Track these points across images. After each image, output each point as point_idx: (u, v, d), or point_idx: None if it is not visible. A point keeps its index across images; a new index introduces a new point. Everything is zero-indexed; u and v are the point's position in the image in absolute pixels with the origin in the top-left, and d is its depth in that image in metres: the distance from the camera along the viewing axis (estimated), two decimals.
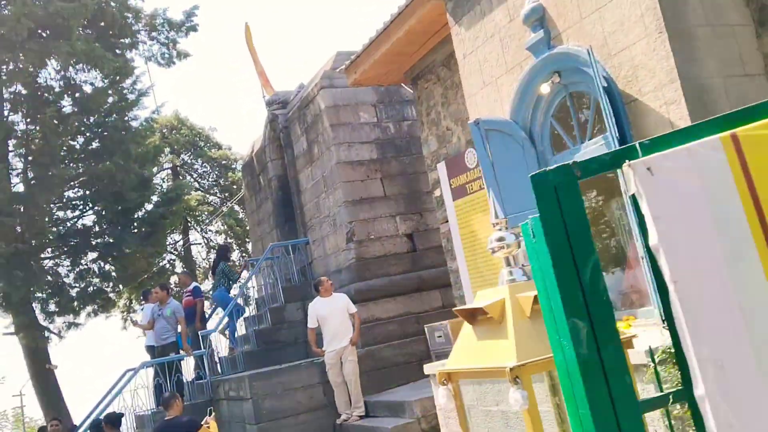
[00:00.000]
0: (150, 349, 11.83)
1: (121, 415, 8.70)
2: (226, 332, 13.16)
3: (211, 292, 17.47)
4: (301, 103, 12.88)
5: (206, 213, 23.12)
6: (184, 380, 11.58)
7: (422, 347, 10.34)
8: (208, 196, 23.36)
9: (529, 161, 5.81)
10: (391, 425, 8.19)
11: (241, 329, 12.91)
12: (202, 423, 7.79)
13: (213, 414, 8.07)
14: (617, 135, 4.57)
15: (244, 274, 14.06)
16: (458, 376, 2.91)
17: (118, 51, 15.57)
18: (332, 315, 9.47)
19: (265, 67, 15.27)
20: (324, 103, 11.85)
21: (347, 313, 9.35)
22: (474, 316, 2.89)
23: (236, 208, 23.08)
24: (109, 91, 16.27)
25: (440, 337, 8.04)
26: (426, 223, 11.85)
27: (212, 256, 24.65)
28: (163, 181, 21.66)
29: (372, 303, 10.85)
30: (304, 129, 12.84)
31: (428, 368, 5.83)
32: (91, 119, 16.37)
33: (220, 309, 13.52)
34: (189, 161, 23.33)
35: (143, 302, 13.30)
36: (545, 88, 5.52)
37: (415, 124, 12.19)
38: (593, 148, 5.33)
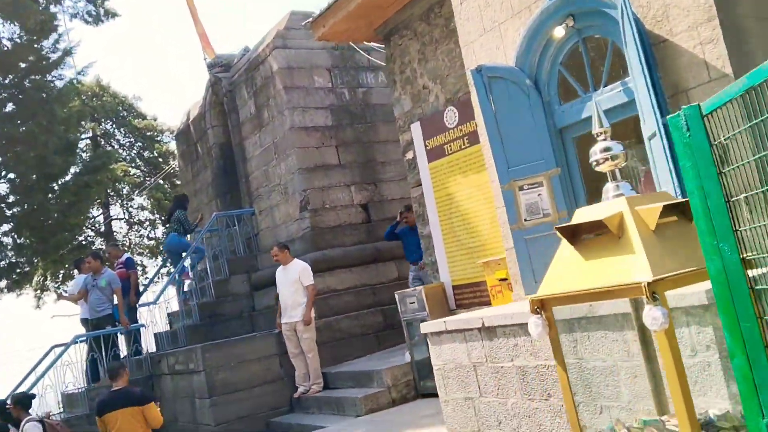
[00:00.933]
0: (84, 322, 10.98)
1: (33, 396, 7.86)
2: (185, 283, 12.35)
3: (163, 240, 16.42)
4: (250, 65, 12.24)
5: (129, 186, 21.93)
6: (121, 355, 10.83)
7: (379, 319, 10.04)
8: (131, 168, 22.15)
9: (535, 111, 5.57)
10: (360, 395, 7.84)
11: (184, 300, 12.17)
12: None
13: (158, 402, 7.46)
14: (649, 78, 4.37)
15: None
16: (557, 302, 2.60)
17: (41, 1, 14.38)
18: (284, 285, 9.05)
19: (206, 28, 14.48)
20: (277, 64, 11.29)
21: (301, 285, 8.86)
22: (577, 235, 2.59)
23: (161, 181, 21.99)
24: (30, 49, 15.03)
25: (413, 303, 7.76)
26: (381, 194, 11.53)
27: (134, 233, 23.46)
28: (83, 151, 20.34)
29: (328, 274, 10.45)
30: (252, 92, 12.22)
31: (423, 327, 5.53)
32: (8, 79, 15.09)
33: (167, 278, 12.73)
34: (111, 130, 22.04)
35: (72, 274, 12.32)
36: (559, 32, 5.29)
37: (370, 92, 11.82)
38: (609, 95, 5.14)
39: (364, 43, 9.76)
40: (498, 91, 5.66)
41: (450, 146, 7.65)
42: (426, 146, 8.00)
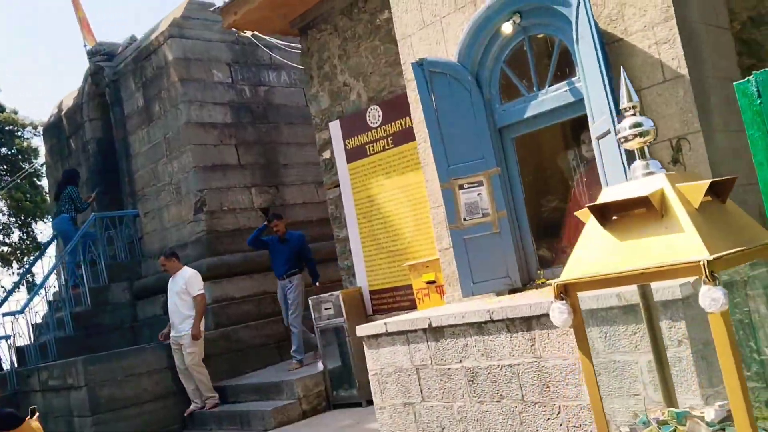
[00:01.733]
0: None
1: None
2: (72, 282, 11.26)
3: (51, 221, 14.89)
4: (139, 54, 11.54)
5: None
6: None
7: (281, 328, 9.70)
8: None
9: (477, 108, 5.55)
10: (269, 407, 7.47)
11: (55, 311, 11.16)
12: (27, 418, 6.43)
13: (38, 414, 6.69)
14: (606, 77, 4.43)
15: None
16: (588, 287, 2.50)
17: None
18: (170, 295, 8.50)
19: (87, 13, 13.54)
20: (172, 54, 10.71)
21: (188, 296, 8.31)
22: (606, 215, 2.50)
23: (20, 181, 20.28)
24: None
25: (329, 309, 7.52)
26: (283, 198, 11.20)
27: None
28: None
29: (226, 281, 9.97)
30: (141, 84, 11.52)
31: (360, 330, 5.30)
32: None
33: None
34: None
35: None
36: (507, 28, 5.29)
37: (273, 91, 11.49)
38: (554, 95, 5.19)
39: (271, 39, 9.44)
40: (439, 86, 5.58)
41: (372, 146, 7.51)
42: (345, 146, 7.81)
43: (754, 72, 2.14)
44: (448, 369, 4.76)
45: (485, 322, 4.51)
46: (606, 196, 2.51)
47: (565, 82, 5.15)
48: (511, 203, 5.52)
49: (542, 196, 5.70)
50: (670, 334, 3.65)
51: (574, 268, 2.53)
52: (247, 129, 11.10)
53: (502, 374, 4.44)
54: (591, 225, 2.54)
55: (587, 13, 4.50)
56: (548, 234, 5.66)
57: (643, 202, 2.35)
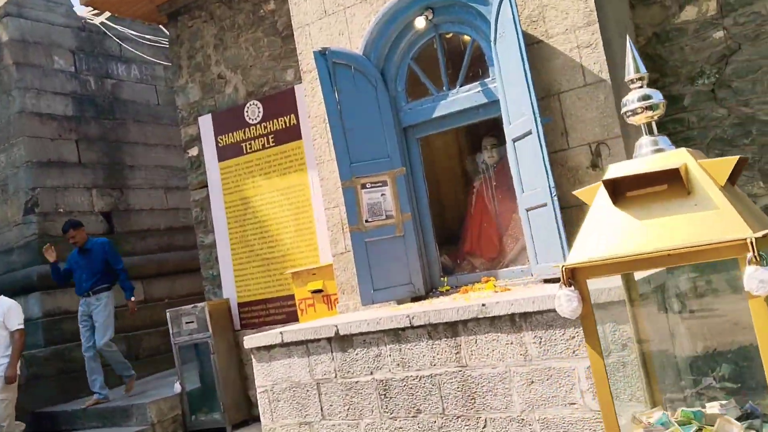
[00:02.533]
0: None
1: None
2: None
3: None
4: None
5: None
6: None
7: (122, 347, 8.75)
8: None
9: (382, 105, 5.27)
10: None
11: None
12: None
13: None
14: (531, 77, 4.34)
15: None
16: (603, 271, 2.26)
17: None
18: None
19: None
20: (8, 34, 9.47)
21: (4, 330, 6.74)
22: (619, 192, 2.28)
23: None
24: None
25: (191, 322, 6.85)
26: (127, 203, 10.23)
27: None
28: None
29: (60, 292, 8.83)
30: None
31: (249, 341, 4.75)
32: None
33: None
34: None
35: None
36: (420, 23, 5.09)
37: (121, 85, 10.55)
38: (466, 95, 5.05)
39: (123, 29, 8.61)
40: (343, 79, 5.24)
41: (250, 144, 6.98)
42: (217, 143, 7.20)
43: None
44: (356, 382, 4.36)
45: (404, 329, 4.18)
46: (615, 171, 2.29)
47: (477, 82, 5.01)
48: (415, 206, 5.28)
49: (445, 200, 5.51)
50: (613, 338, 3.53)
51: (582, 251, 2.28)
52: (90, 124, 10.03)
53: (421, 386, 4.12)
54: (600, 204, 2.31)
55: (512, 11, 4.38)
56: (450, 240, 5.47)
57: (666, 177, 2.15)
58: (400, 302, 5.17)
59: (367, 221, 5.19)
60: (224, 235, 7.15)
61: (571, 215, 4.38)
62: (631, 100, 2.38)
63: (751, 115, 4.68)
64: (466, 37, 5.13)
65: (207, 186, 7.29)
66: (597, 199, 2.33)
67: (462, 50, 5.17)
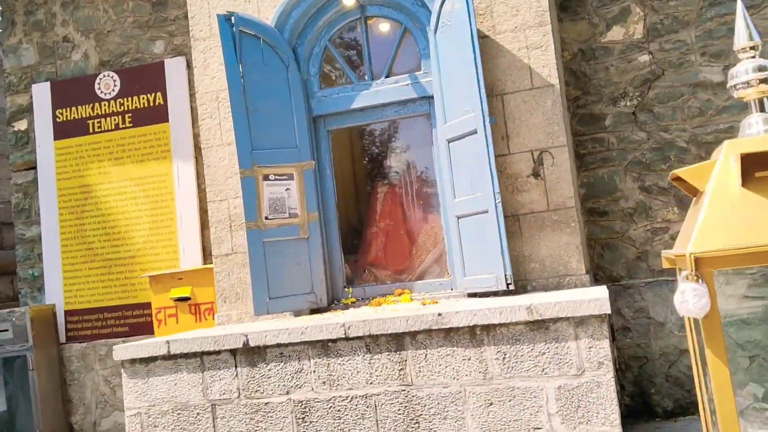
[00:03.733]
0: None
1: None
2: None
3: None
4: None
5: None
6: None
7: None
8: None
9: (293, 87, 4.67)
10: None
11: None
12: None
13: None
14: (480, 72, 4.03)
15: None
16: (734, 262, 1.93)
17: None
18: None
19: None
20: None
21: None
22: (749, 172, 1.98)
23: None
24: None
25: (4, 330, 5.64)
26: None
27: None
28: None
29: None
30: None
31: (121, 351, 3.82)
32: None
33: None
34: None
35: None
36: (350, 1, 4.59)
37: None
38: (392, 87, 4.62)
39: None
40: (250, 52, 4.58)
41: (99, 123, 5.93)
42: (55, 117, 6.05)
43: None
44: (266, 404, 3.66)
45: (335, 340, 3.58)
46: (740, 148, 1.98)
47: (407, 75, 4.61)
48: (322, 205, 4.71)
49: (351, 202, 4.99)
50: (589, 356, 3.24)
51: (709, 238, 1.92)
52: None
53: (352, 408, 3.54)
54: (721, 186, 1.98)
55: (467, 0, 4.05)
56: (352, 247, 4.94)
57: None
58: (297, 314, 4.54)
59: (267, 218, 4.51)
60: (53, 228, 5.97)
61: (507, 225, 4.10)
62: (743, 71, 2.11)
63: (670, 141, 4.75)
64: (398, 24, 4.71)
65: (35, 168, 6.08)
66: (716, 179, 2.00)
67: (390, 38, 4.74)
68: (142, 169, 5.80)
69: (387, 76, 4.66)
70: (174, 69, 5.78)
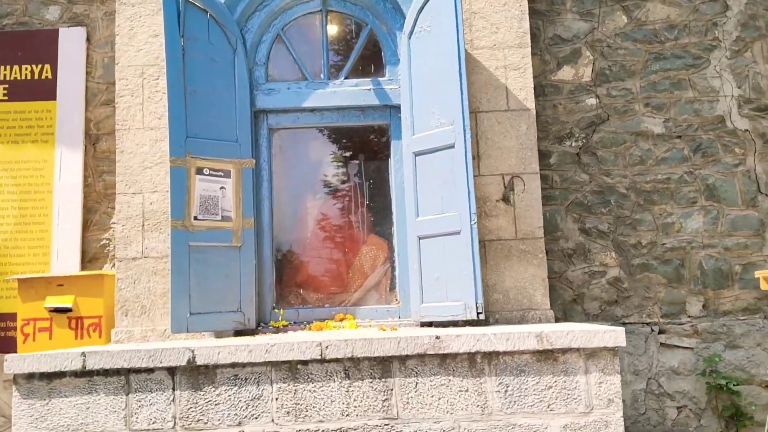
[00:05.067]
0: None
1: None
2: None
3: None
4: None
5: None
6: None
7: None
8: None
9: (240, 73, 4.11)
10: None
11: None
12: None
13: None
14: (464, 83, 3.77)
15: None
16: None
17: None
18: None
19: None
20: None
21: None
22: None
23: None
24: None
25: None
26: None
27: None
28: None
29: None
30: None
31: (17, 362, 2.91)
32: None
33: None
34: None
35: None
36: None
37: None
38: (351, 90, 4.22)
39: None
40: (195, 26, 3.98)
41: None
42: None
43: None
44: None
45: (307, 362, 3.03)
46: None
47: (369, 79, 4.23)
48: (259, 210, 4.14)
49: (286, 214, 4.41)
50: (598, 392, 2.98)
51: None
52: None
53: None
54: None
55: (455, 3, 3.80)
56: (285, 264, 4.37)
57: None
58: (218, 335, 3.88)
59: (196, 218, 3.86)
60: None
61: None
62: None
63: (611, 186, 4.76)
64: (362, 23, 4.34)
65: None
66: None
67: (352, 38, 4.35)
68: (15, 152, 4.82)
69: (346, 78, 4.24)
70: (70, 40, 4.92)
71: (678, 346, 4.58)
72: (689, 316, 4.59)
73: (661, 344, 4.57)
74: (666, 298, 4.61)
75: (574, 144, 4.81)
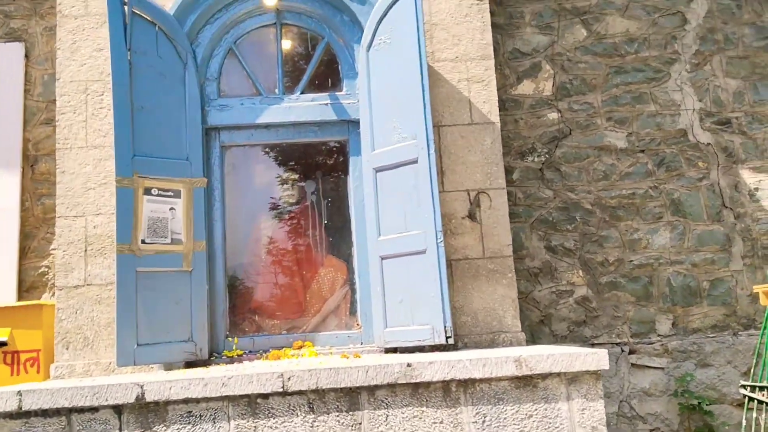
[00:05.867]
0: None
1: None
2: None
3: None
4: None
5: None
6: None
7: None
8: None
9: (190, 89, 3.89)
10: None
11: None
12: None
13: None
14: (427, 96, 3.62)
15: None
16: None
17: None
18: None
19: None
20: None
21: None
22: None
23: None
24: None
25: None
26: None
27: None
28: None
29: None
30: None
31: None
32: None
33: None
34: None
35: None
36: (270, 1, 3.99)
37: None
38: (307, 106, 4.04)
39: None
40: (142, 39, 3.75)
41: None
42: None
43: None
44: None
45: (267, 396, 2.80)
46: None
47: (326, 94, 4.06)
48: (212, 233, 3.90)
49: (240, 234, 4.18)
50: (581, 419, 2.83)
51: None
52: None
53: None
54: None
55: (416, 14, 3.66)
56: (239, 289, 4.13)
57: None
58: (168, 368, 3.62)
59: (144, 242, 3.60)
60: None
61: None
62: None
63: (576, 202, 4.66)
64: (318, 37, 4.17)
65: None
66: None
67: (308, 51, 4.17)
68: None
69: (302, 93, 4.06)
70: (7, 57, 4.63)
71: (649, 367, 4.47)
72: (659, 335, 4.50)
73: (632, 365, 4.46)
74: (635, 316, 4.51)
75: (536, 159, 4.71)
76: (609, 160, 4.72)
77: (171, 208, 3.72)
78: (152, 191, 3.66)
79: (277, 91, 4.06)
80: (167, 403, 2.76)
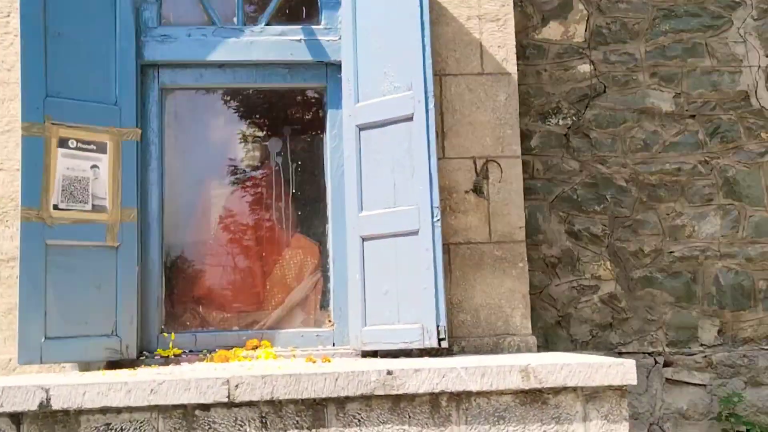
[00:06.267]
0: None
1: None
2: None
3: None
4: None
5: None
6: None
7: None
8: None
9: (122, 14, 3.78)
10: None
11: None
12: None
13: None
14: (427, 36, 3.55)
15: None
16: None
17: None
18: None
19: None
20: None
21: None
22: None
23: None
24: None
25: None
26: None
27: None
28: None
29: None
30: None
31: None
32: None
33: None
34: None
35: None
36: None
37: None
38: (274, 40, 3.94)
39: None
40: None
41: None
42: None
43: None
44: None
45: (209, 406, 2.73)
46: None
47: (299, 26, 3.97)
48: (148, 197, 3.84)
49: (183, 203, 4.08)
50: None
51: None
52: None
53: None
54: None
55: None
56: (180, 273, 4.04)
57: None
58: (85, 368, 3.54)
59: (57, 207, 3.52)
60: None
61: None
62: None
63: (608, 177, 4.63)
64: None
65: None
66: None
67: None
68: None
69: (268, 24, 3.96)
70: None
71: (688, 383, 4.49)
72: (702, 345, 4.53)
73: (667, 380, 4.48)
74: (673, 321, 4.54)
75: (561, 122, 4.69)
76: (651, 126, 4.70)
77: (93, 166, 3.62)
78: (69, 143, 3.56)
79: (235, 20, 3.98)
80: (79, 412, 2.69)
